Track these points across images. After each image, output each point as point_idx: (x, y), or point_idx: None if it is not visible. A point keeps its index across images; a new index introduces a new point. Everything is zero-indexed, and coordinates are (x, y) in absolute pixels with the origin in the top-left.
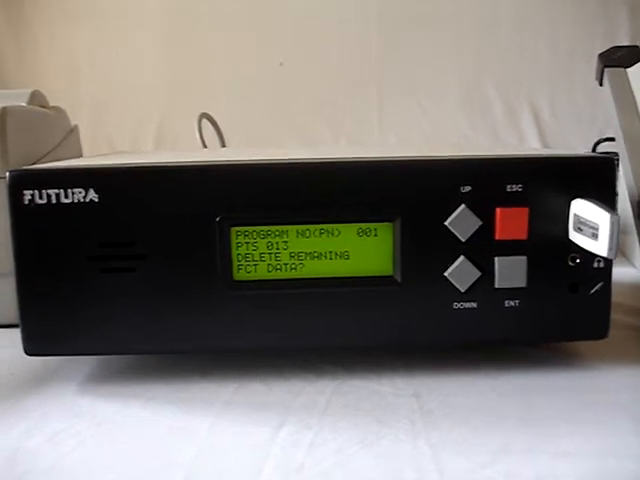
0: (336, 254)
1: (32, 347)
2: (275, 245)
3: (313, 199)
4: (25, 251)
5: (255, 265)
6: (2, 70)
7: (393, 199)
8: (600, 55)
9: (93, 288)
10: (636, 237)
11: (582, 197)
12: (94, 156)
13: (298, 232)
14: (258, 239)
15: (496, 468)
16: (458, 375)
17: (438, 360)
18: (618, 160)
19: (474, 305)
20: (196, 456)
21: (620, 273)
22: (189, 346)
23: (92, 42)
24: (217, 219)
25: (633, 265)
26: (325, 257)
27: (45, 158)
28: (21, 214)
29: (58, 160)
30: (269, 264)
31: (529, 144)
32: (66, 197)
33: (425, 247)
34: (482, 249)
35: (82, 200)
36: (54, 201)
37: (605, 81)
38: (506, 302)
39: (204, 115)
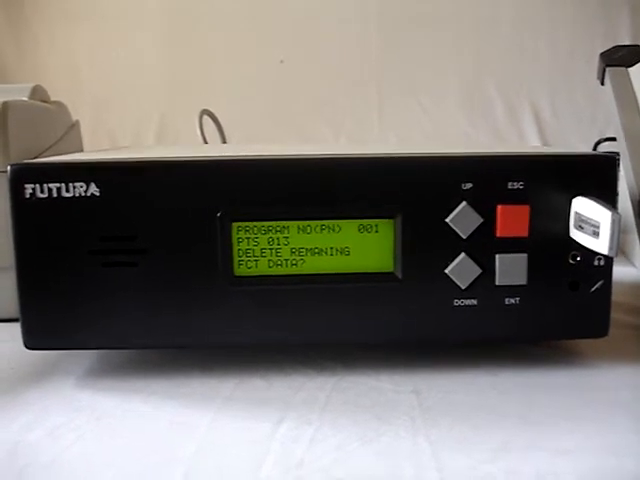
0: (337, 250)
1: (32, 341)
2: (276, 241)
3: (314, 195)
4: (26, 245)
5: (256, 261)
6: (3, 70)
7: (394, 196)
8: (602, 54)
9: (94, 282)
10: (636, 236)
11: (583, 195)
12: (95, 151)
13: (299, 228)
14: (259, 234)
15: (496, 465)
16: (458, 372)
17: (438, 357)
18: (619, 159)
19: (474, 302)
20: (196, 451)
21: (620, 272)
22: (189, 341)
23: (92, 42)
24: (218, 214)
25: (633, 264)
26: (326, 253)
27: (46, 152)
28: (22, 208)
29: (59, 155)
30: (270, 260)
31: (530, 144)
32: (67, 191)
33: (426, 244)
34: (483, 246)
35: (83, 194)
36: (55, 195)
37: (606, 80)
38: (506, 299)
39: (205, 112)
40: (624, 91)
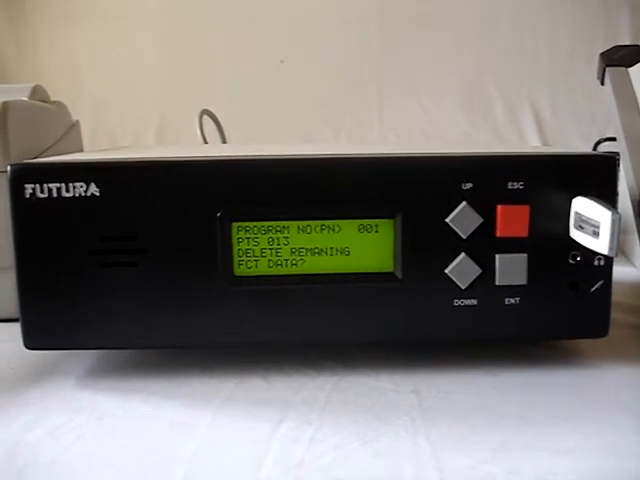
0: (337, 250)
1: (32, 341)
2: (276, 241)
3: (314, 195)
4: (26, 245)
5: (256, 261)
6: (3, 70)
7: (394, 195)
8: (602, 54)
9: (94, 282)
10: (636, 236)
11: (583, 195)
12: (95, 151)
13: (299, 228)
14: (259, 234)
15: (496, 465)
16: (458, 372)
17: (438, 357)
18: (619, 158)
19: (474, 302)
20: (196, 451)
21: (620, 272)
22: (189, 341)
23: (92, 42)
24: (218, 214)
25: (633, 265)
26: (326, 253)
27: (46, 152)
28: (22, 208)
29: (59, 154)
30: (270, 260)
31: (530, 144)
32: (67, 191)
33: (426, 244)
34: (483, 246)
35: (83, 194)
36: (55, 195)
37: (606, 80)
38: (506, 299)
39: (205, 112)
40: (624, 91)
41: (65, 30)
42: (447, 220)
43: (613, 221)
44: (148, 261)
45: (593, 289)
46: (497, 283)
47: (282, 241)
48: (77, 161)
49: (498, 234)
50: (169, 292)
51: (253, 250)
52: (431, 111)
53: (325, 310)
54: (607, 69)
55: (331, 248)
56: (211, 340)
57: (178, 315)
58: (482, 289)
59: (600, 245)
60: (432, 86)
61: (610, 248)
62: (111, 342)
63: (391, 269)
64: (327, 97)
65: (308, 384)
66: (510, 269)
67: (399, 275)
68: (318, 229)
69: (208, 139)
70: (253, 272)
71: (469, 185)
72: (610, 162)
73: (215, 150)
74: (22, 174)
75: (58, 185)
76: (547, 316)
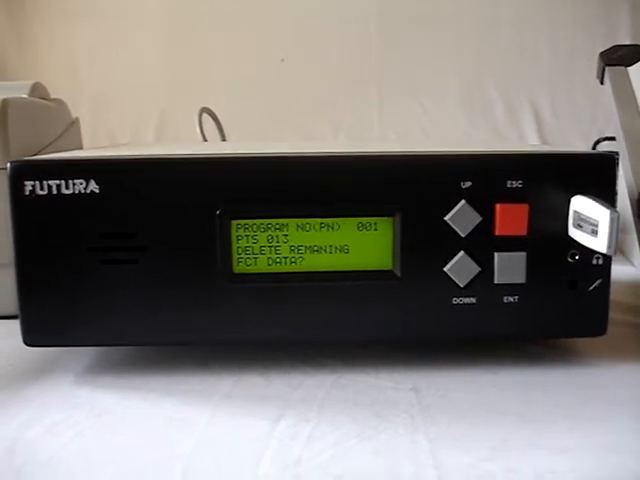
0: (336, 248)
1: (31, 338)
2: (275, 238)
3: (313, 193)
4: (25, 242)
5: (255, 258)
6: (3, 67)
7: (393, 194)
8: (601, 54)
9: (93, 279)
10: (635, 236)
11: (582, 194)
12: (95, 148)
13: (298, 226)
14: (258, 232)
15: (495, 463)
16: (457, 370)
17: (437, 355)
18: (618, 158)
19: (473, 300)
20: (195, 448)
21: (619, 271)
22: (189, 338)
23: (92, 41)
24: (217, 212)
25: (632, 263)
26: (325, 251)
27: (46, 150)
28: (22, 205)
29: (59, 152)
30: (269, 257)
31: (529, 143)
32: (67, 188)
33: (425, 242)
34: (482, 245)
35: (83, 191)
36: (55, 192)
37: (606, 80)
38: (505, 298)
39: (205, 110)
40: (623, 90)
41: (65, 28)
42: (446, 218)
43: (612, 220)
44: (147, 258)
45: (592, 288)
46: (496, 281)
47: (281, 239)
48: (77, 158)
49: (497, 232)
50: (168, 289)
51: (252, 248)
52: (431, 111)
53: (324, 308)
54: (607, 68)
55: (330, 246)
56: (210, 337)
57: (177, 312)
58: (481, 287)
59: (599, 244)
60: (432, 86)
61: (609, 247)
62: (110, 339)
63: (390, 267)
64: (327, 97)
65: (307, 381)
66: (509, 267)
67: (398, 273)
68: (317, 227)
69: (208, 137)
70: (252, 270)
71: (468, 184)
72: (609, 161)
73: (214, 148)
74: (22, 171)
75: (58, 182)
76: (546, 314)
